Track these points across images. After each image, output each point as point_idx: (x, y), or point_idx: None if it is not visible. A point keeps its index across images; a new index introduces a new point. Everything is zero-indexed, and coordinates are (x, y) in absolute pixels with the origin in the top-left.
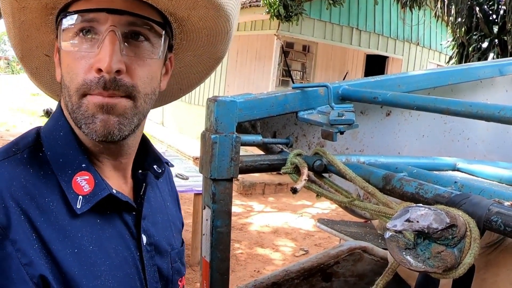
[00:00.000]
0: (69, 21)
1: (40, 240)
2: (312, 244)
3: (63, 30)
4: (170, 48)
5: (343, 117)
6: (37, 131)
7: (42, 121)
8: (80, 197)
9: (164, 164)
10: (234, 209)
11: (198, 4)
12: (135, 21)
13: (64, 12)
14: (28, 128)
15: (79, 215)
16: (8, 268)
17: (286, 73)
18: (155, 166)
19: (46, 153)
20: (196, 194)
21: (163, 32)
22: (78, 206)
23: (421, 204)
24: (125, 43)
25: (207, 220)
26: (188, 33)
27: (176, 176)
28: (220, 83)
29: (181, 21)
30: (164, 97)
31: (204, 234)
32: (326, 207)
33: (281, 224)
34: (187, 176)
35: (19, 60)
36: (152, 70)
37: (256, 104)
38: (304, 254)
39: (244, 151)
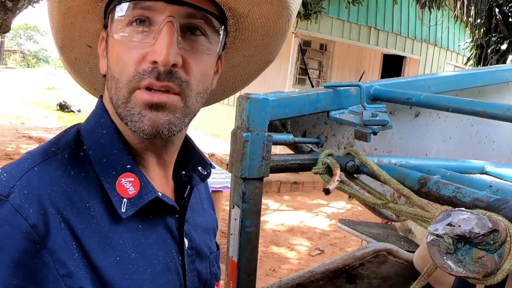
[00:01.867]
0: (123, 8)
1: (80, 249)
2: (327, 244)
3: (116, 18)
4: (224, 45)
5: (377, 118)
6: (77, 129)
7: (57, 115)
8: (125, 200)
9: (209, 166)
10: None
11: None
12: (194, 13)
13: None
14: (43, 121)
15: (122, 220)
16: (45, 279)
17: (303, 72)
18: (199, 168)
19: (87, 152)
20: (213, 192)
21: (222, 27)
22: (123, 210)
23: (463, 208)
24: (182, 36)
25: (235, 219)
26: (243, 31)
27: None
28: None
29: (240, 17)
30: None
31: (232, 234)
32: (341, 206)
33: (297, 223)
34: None
35: (58, 49)
36: (207, 67)
37: (288, 103)
38: (319, 253)
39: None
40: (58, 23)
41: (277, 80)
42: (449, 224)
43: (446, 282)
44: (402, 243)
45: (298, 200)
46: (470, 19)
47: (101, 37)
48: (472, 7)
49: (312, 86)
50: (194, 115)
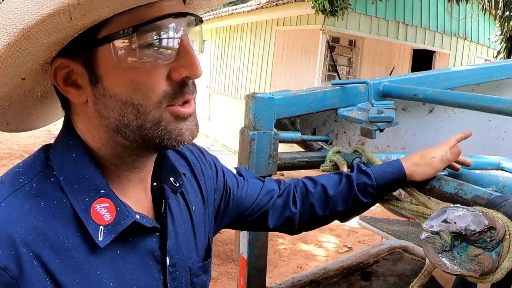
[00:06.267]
0: (139, 33)
1: (55, 285)
2: (355, 241)
3: (130, 43)
4: None
5: (382, 114)
6: (46, 152)
7: None
8: (101, 227)
9: (181, 176)
10: None
11: None
12: (192, 20)
13: (105, 25)
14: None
15: (99, 249)
16: None
17: (332, 68)
18: (171, 179)
19: (58, 177)
20: None
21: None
22: (100, 239)
23: (459, 205)
24: None
25: None
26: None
27: None
28: (266, 78)
29: None
30: None
31: (241, 231)
32: None
33: None
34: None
35: None
36: None
37: (294, 101)
38: (347, 250)
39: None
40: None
41: (306, 77)
42: (445, 221)
43: None
44: None
45: None
46: (498, 11)
47: (57, 67)
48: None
49: None
50: None
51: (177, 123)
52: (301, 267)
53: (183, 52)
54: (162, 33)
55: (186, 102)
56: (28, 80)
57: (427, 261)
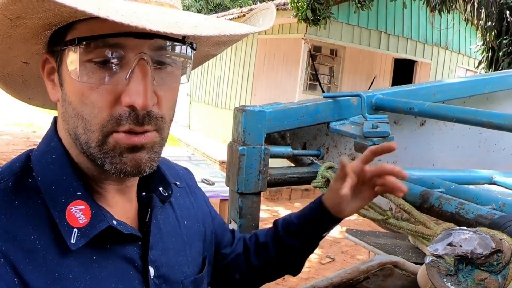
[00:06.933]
0: (87, 47)
1: (24, 285)
2: (338, 252)
3: (78, 57)
4: None
5: (377, 129)
6: (28, 154)
7: None
8: (75, 230)
9: (171, 186)
10: (260, 214)
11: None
12: (164, 45)
13: (70, 29)
14: None
15: (72, 252)
16: None
17: (313, 77)
18: (160, 188)
19: (36, 179)
20: (222, 200)
21: (192, 53)
22: (73, 241)
23: (464, 227)
24: (153, 70)
25: None
26: (197, 42)
27: (202, 181)
28: (247, 87)
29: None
30: None
31: None
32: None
33: None
34: (213, 181)
35: None
36: (176, 95)
37: (286, 114)
38: (330, 261)
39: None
40: None
41: (288, 86)
42: (450, 244)
43: None
44: (410, 254)
45: None
46: (480, 21)
47: (45, 59)
48: (483, 10)
49: (323, 92)
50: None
51: (123, 151)
52: (283, 278)
53: (134, 77)
54: (110, 51)
55: (139, 132)
56: (33, 66)
57: (418, 279)
